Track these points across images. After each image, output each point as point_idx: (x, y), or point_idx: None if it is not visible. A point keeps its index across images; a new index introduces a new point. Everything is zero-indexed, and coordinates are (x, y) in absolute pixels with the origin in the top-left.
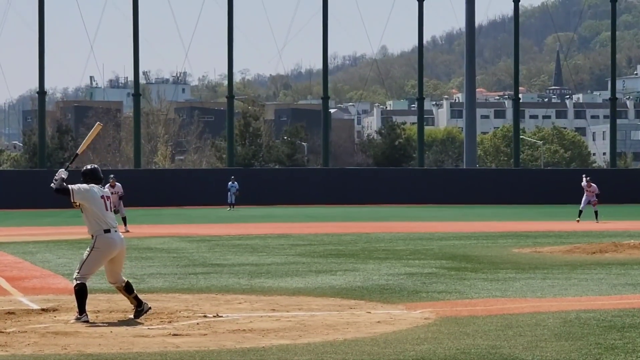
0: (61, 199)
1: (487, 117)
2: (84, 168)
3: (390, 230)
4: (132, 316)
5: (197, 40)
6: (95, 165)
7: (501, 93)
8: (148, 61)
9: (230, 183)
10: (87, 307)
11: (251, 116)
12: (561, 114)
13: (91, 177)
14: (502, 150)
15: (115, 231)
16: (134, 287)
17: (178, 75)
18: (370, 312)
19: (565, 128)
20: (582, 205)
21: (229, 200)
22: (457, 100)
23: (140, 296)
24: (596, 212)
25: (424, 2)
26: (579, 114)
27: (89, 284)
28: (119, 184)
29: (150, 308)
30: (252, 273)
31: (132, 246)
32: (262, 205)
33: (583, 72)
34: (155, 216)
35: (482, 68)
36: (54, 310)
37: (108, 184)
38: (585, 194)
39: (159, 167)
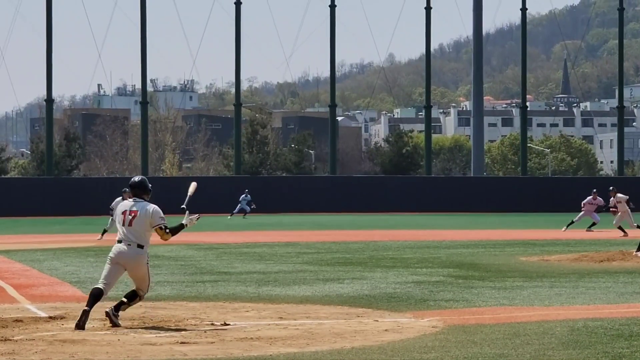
0: (68, 207)
1: (494, 125)
2: (132, 180)
3: (398, 239)
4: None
5: (205, 48)
6: (143, 177)
7: (508, 101)
8: (156, 69)
9: (243, 196)
10: (96, 316)
11: (258, 124)
12: (569, 122)
13: (139, 189)
14: (510, 158)
15: (124, 243)
16: (124, 301)
17: (185, 83)
18: (377, 321)
19: (572, 136)
20: (577, 218)
21: (238, 209)
22: (464, 108)
23: (148, 304)
24: (594, 223)
25: (432, 10)
26: (586, 122)
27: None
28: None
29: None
30: (259, 281)
31: None
32: (269, 213)
33: (590, 80)
34: None
35: (489, 76)
36: (62, 318)
37: (120, 197)
38: (584, 210)
39: (166, 175)
